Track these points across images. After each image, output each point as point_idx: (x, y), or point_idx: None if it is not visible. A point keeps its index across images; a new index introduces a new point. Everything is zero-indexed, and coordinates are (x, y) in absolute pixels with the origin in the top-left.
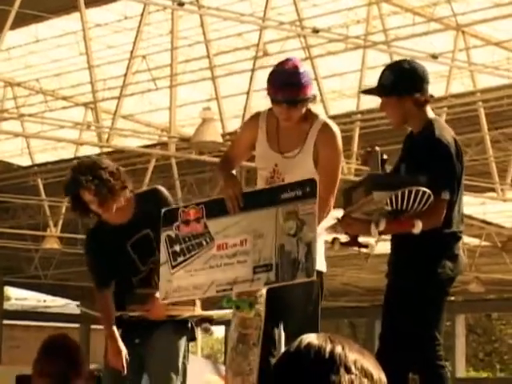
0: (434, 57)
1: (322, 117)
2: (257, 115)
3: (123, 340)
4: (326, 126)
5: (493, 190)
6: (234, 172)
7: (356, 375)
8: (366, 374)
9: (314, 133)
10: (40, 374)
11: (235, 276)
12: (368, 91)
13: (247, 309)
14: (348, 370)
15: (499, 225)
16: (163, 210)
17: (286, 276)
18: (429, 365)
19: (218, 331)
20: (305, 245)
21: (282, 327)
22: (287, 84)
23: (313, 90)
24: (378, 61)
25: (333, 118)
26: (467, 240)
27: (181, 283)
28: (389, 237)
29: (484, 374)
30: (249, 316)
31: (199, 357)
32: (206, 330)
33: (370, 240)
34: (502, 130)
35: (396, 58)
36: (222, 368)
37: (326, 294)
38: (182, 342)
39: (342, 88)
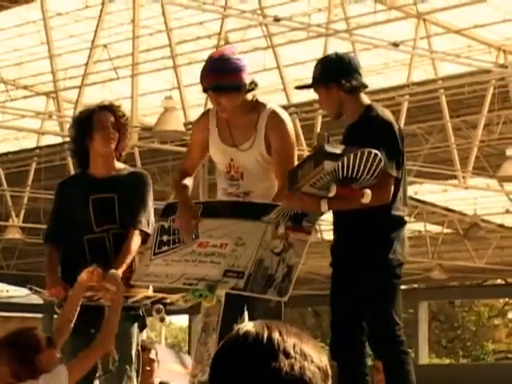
0: (396, 45)
1: (271, 105)
2: (206, 113)
3: (77, 330)
4: (274, 113)
5: (455, 177)
6: (188, 184)
7: (296, 359)
8: (306, 356)
9: (263, 122)
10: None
11: (204, 274)
12: (301, 87)
13: (209, 294)
14: (287, 355)
15: (461, 212)
16: (166, 202)
17: (256, 288)
18: (392, 351)
19: (182, 320)
20: (286, 266)
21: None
22: (208, 70)
23: (247, 78)
24: (340, 49)
25: (295, 106)
26: (430, 227)
27: (154, 270)
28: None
29: (447, 361)
30: (211, 304)
31: (163, 346)
32: (159, 312)
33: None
34: (463, 118)
35: (358, 45)
36: (186, 357)
37: None
38: (134, 329)
39: (304, 76)
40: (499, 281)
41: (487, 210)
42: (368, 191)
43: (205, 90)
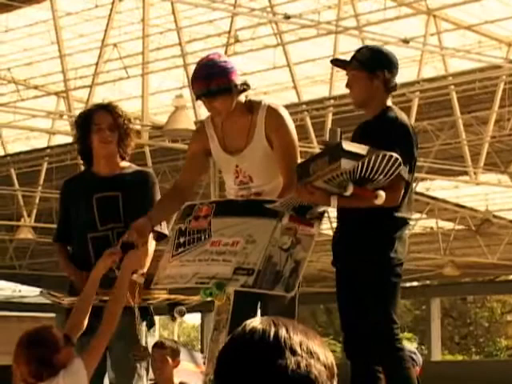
0: (406, 41)
1: (266, 101)
2: (201, 125)
3: (86, 328)
4: (271, 110)
5: (466, 173)
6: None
7: (302, 356)
8: (312, 354)
9: (261, 121)
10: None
11: (216, 272)
12: (341, 62)
13: (218, 292)
14: (294, 352)
15: (473, 208)
16: (185, 204)
17: (264, 284)
18: (390, 348)
19: (194, 318)
20: (293, 261)
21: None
22: (197, 77)
23: (236, 79)
24: (350, 46)
25: (305, 104)
26: (441, 224)
27: (171, 272)
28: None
29: (459, 357)
30: (221, 302)
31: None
32: (181, 313)
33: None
34: (474, 114)
35: (368, 42)
36: (199, 355)
37: (301, 280)
38: (142, 327)
39: (314, 74)
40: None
41: (499, 205)
42: (382, 193)
43: (198, 98)
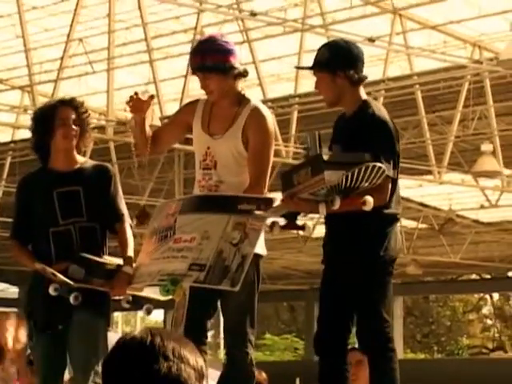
0: (371, 40)
1: (255, 102)
2: (196, 100)
3: (44, 325)
4: (255, 110)
5: (430, 172)
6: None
7: (173, 361)
8: (183, 359)
9: (244, 116)
10: None
11: (174, 268)
12: (303, 67)
13: (174, 288)
14: (166, 358)
15: (436, 207)
16: (160, 203)
17: (213, 280)
18: (379, 347)
19: (157, 315)
20: (241, 256)
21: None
22: (195, 50)
23: (234, 62)
24: (316, 44)
25: (271, 101)
26: (405, 223)
27: (142, 270)
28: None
29: (421, 356)
30: (179, 298)
31: None
32: (149, 311)
33: (308, 222)
34: (438, 113)
35: None
36: None
37: (265, 277)
38: (101, 324)
39: (279, 72)
40: (474, 276)
41: (462, 205)
42: (370, 199)
43: (193, 72)
